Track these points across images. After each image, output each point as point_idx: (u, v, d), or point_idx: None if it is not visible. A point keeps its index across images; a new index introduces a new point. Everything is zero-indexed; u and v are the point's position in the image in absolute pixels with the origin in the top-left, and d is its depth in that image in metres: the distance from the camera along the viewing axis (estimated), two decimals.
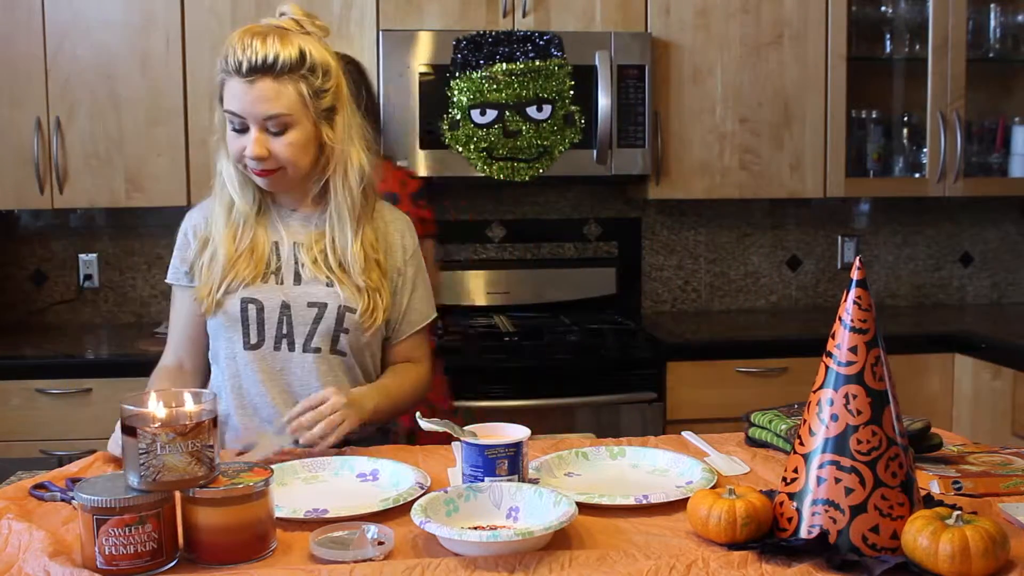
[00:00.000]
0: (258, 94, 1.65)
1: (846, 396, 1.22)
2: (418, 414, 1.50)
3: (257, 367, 1.78)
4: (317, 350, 1.78)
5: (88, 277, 3.37)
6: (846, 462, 1.21)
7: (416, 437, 2.04)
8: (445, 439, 1.57)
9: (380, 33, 3.04)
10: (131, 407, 1.20)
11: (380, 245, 1.82)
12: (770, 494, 1.32)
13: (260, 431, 1.76)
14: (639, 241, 3.57)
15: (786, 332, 3.31)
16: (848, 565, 1.17)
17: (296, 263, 1.79)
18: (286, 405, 1.76)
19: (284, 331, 1.77)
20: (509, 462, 1.41)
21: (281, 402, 1.78)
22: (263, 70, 1.65)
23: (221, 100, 1.70)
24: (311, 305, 1.77)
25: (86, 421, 2.78)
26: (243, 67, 1.64)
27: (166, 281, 1.88)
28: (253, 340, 1.77)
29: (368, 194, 1.81)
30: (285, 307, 1.77)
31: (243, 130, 1.69)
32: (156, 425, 1.18)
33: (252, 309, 1.77)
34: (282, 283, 1.78)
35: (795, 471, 1.25)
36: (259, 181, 1.75)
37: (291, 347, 1.78)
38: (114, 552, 1.16)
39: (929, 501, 1.33)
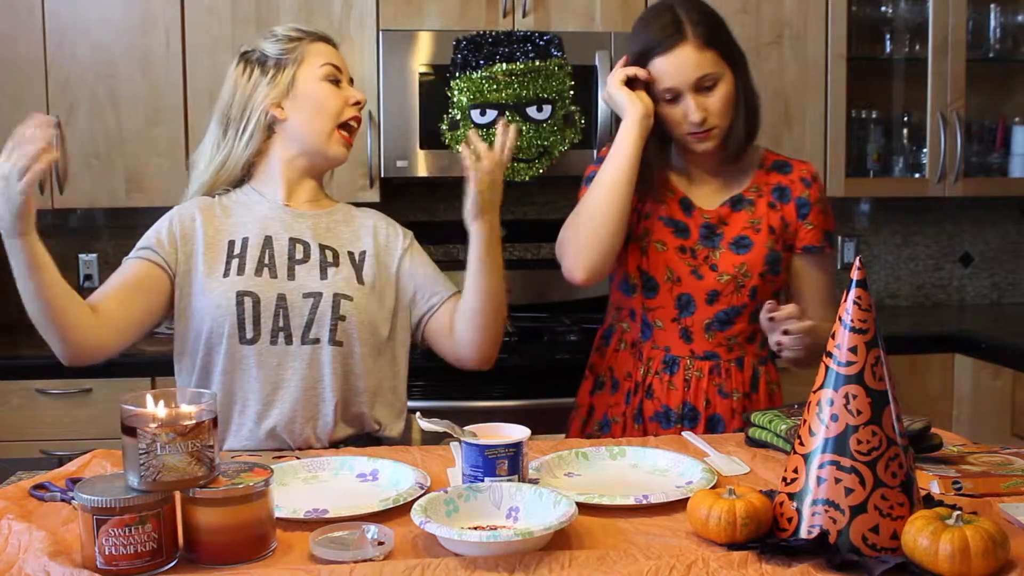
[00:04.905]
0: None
1: (846, 396, 1.22)
2: (418, 414, 1.50)
3: (253, 362, 1.76)
4: (316, 341, 1.77)
5: (88, 277, 3.37)
6: (846, 462, 1.21)
7: None
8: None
9: (380, 33, 3.04)
10: (131, 407, 1.20)
11: (370, 242, 1.88)
12: (770, 494, 1.32)
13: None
14: None
15: None
16: (848, 565, 1.17)
17: (290, 259, 1.81)
18: (279, 402, 1.77)
19: (281, 324, 1.76)
20: (509, 462, 1.41)
21: (275, 399, 1.77)
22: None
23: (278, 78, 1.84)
24: (306, 296, 1.78)
25: (86, 421, 2.78)
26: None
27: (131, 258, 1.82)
28: (249, 335, 1.76)
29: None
30: (281, 299, 1.77)
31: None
32: (156, 425, 1.18)
33: (248, 302, 1.76)
34: (275, 277, 1.79)
35: (795, 471, 1.25)
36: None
37: (288, 340, 1.77)
38: (114, 552, 1.16)
39: (929, 501, 1.33)
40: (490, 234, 1.74)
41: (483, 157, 1.67)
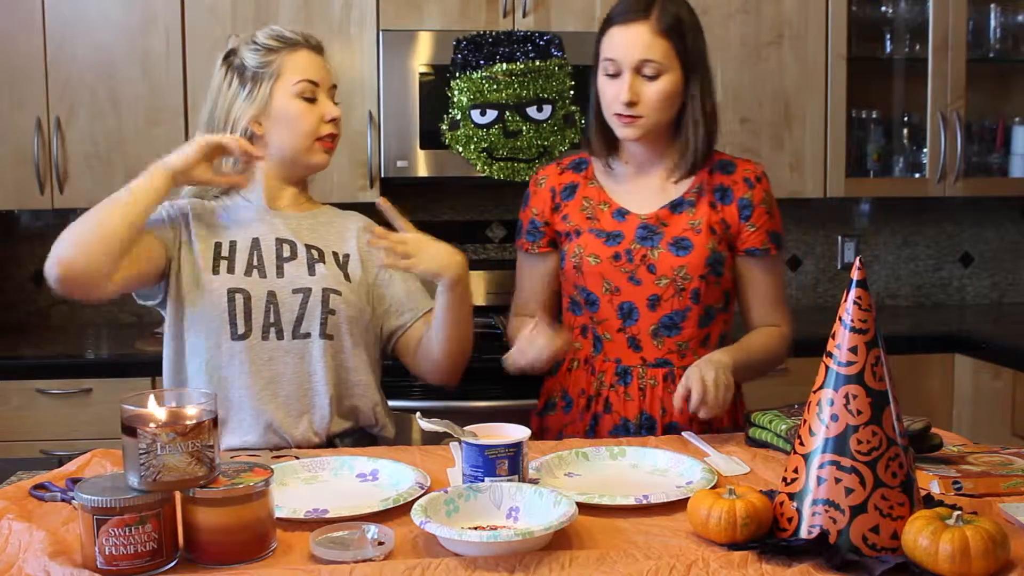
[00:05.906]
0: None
1: (846, 396, 1.22)
2: (418, 414, 1.50)
3: (245, 358, 1.78)
4: (306, 335, 1.79)
5: None
6: (846, 462, 1.21)
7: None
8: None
9: (380, 33, 3.04)
10: (131, 407, 1.20)
11: (353, 245, 1.90)
12: (770, 494, 1.32)
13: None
14: None
15: None
16: (848, 565, 1.17)
17: (278, 257, 1.82)
18: (273, 397, 1.78)
19: (271, 320, 1.78)
20: (509, 462, 1.41)
21: (268, 394, 1.78)
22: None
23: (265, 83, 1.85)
24: (296, 292, 1.80)
25: (86, 421, 2.78)
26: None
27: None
28: (240, 330, 1.77)
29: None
30: (272, 295, 1.79)
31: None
32: (156, 425, 1.18)
33: (239, 298, 1.78)
34: (265, 276, 1.81)
35: (795, 471, 1.25)
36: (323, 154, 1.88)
37: (279, 335, 1.79)
38: (114, 552, 1.17)
39: (929, 501, 1.34)
40: (451, 289, 1.75)
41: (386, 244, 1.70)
